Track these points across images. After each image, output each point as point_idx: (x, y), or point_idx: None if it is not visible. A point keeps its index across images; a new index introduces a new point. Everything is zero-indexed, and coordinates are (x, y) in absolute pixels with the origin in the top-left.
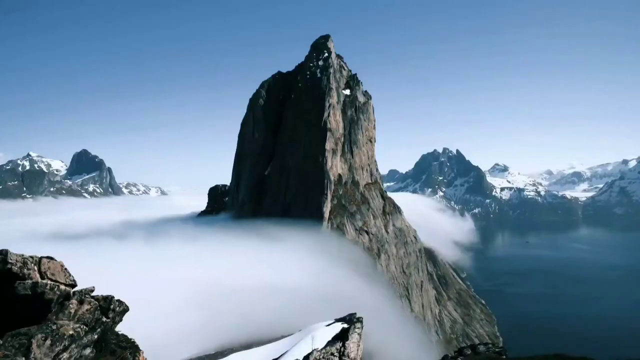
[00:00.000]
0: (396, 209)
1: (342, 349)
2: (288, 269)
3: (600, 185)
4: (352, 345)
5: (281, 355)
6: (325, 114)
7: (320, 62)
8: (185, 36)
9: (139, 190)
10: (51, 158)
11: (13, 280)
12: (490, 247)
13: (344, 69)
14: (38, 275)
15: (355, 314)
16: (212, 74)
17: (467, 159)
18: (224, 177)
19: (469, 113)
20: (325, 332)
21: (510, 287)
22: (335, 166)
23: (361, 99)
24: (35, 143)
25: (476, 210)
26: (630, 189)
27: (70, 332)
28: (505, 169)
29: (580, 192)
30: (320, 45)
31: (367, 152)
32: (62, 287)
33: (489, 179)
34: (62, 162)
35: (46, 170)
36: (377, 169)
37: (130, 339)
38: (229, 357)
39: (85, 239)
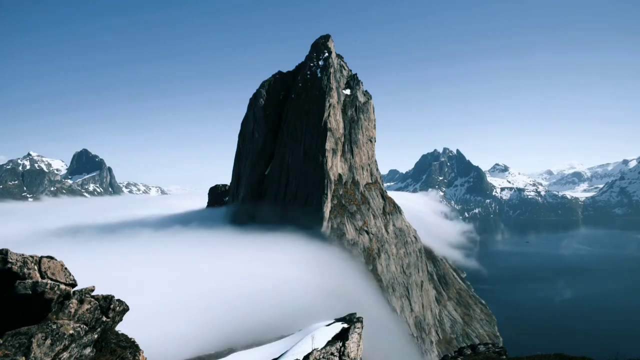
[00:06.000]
0: (396, 209)
1: (342, 348)
2: (287, 269)
3: (601, 186)
4: (352, 345)
5: (281, 355)
6: (326, 114)
7: (321, 62)
8: (186, 35)
9: (139, 189)
10: (51, 158)
11: (13, 279)
12: (490, 247)
13: (344, 69)
14: (38, 275)
15: (355, 313)
16: (212, 74)
17: (467, 159)
18: (224, 177)
19: (469, 113)
20: (325, 332)
21: (511, 287)
22: (336, 166)
23: (361, 98)
24: (35, 143)
25: (476, 210)
26: (630, 189)
27: (71, 331)
28: (505, 169)
29: (581, 192)
30: (320, 45)
31: (367, 152)
32: (62, 286)
33: (489, 179)
34: (63, 161)
35: (46, 170)
36: (377, 169)
37: (130, 339)
38: (229, 357)
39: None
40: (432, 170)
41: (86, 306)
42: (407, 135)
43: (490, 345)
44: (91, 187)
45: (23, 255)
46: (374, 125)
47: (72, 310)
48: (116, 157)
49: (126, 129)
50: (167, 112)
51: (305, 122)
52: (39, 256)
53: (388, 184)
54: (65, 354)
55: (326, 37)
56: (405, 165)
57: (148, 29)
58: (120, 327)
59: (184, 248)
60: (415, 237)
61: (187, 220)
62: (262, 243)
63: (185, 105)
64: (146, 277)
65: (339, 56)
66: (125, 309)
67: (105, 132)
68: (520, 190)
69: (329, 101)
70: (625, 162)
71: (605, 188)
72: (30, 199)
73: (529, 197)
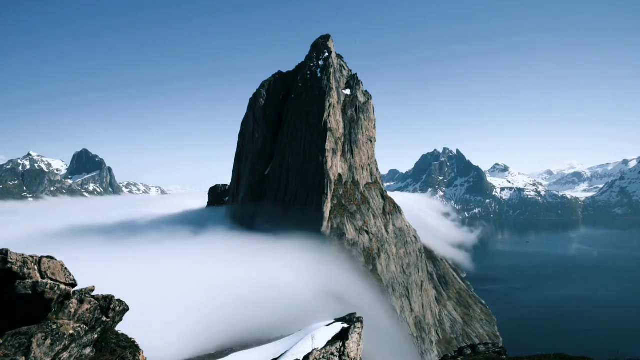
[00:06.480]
0: (396, 209)
1: (342, 348)
2: (287, 269)
3: (601, 186)
4: (352, 344)
5: (281, 355)
6: (326, 114)
7: (321, 62)
8: (186, 35)
9: (139, 189)
10: (51, 158)
11: (13, 279)
12: (490, 247)
13: (344, 69)
14: (38, 275)
15: (355, 313)
16: (212, 74)
17: (467, 159)
18: (224, 177)
19: (469, 113)
20: (325, 332)
21: (510, 287)
22: (336, 166)
23: (361, 98)
24: (35, 143)
25: (476, 210)
26: (630, 189)
27: (71, 331)
28: (505, 169)
29: (581, 192)
30: (320, 45)
31: (367, 152)
32: (62, 286)
33: (489, 179)
34: (63, 161)
35: (46, 170)
36: (377, 169)
37: (130, 339)
38: (229, 357)
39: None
40: (432, 170)
41: (86, 306)
42: (407, 135)
43: (490, 345)
44: (91, 187)
45: (23, 255)
46: (374, 125)
47: (72, 310)
48: (116, 157)
49: (126, 129)
50: (167, 112)
51: (305, 122)
52: (39, 256)
53: (388, 184)
54: (65, 354)
55: (326, 37)
56: (405, 165)
57: (148, 29)
58: (120, 327)
59: (184, 248)
60: (415, 237)
61: (187, 220)
62: (261, 243)
63: (185, 105)
64: (146, 277)
65: (339, 56)
66: (125, 309)
67: (105, 132)
68: (520, 190)
69: (329, 101)
70: (625, 162)
71: (605, 188)
72: (30, 199)
73: (529, 197)
